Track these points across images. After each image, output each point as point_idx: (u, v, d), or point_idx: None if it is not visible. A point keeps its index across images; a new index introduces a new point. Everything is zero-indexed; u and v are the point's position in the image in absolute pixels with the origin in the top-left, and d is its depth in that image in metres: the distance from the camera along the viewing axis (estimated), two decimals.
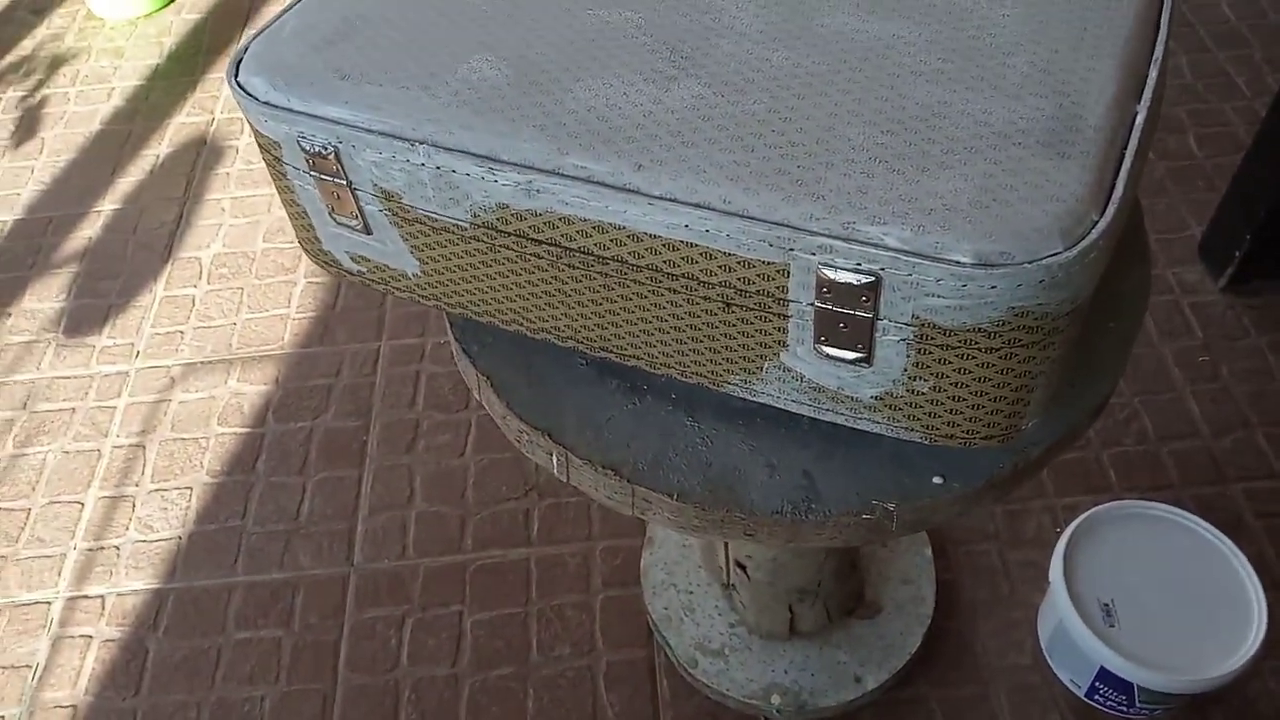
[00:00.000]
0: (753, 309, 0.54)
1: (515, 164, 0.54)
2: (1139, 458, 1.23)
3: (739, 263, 0.51)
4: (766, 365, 0.57)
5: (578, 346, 0.64)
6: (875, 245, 0.48)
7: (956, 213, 0.47)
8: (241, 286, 1.53)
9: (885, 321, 0.50)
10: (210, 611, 1.18)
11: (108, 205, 1.66)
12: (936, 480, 0.60)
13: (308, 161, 0.61)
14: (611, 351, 0.62)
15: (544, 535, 1.22)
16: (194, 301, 1.51)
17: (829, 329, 0.52)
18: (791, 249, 0.49)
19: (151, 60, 1.92)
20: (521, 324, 0.64)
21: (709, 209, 0.50)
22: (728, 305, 0.54)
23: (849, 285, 0.49)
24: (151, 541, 1.25)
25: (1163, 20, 0.58)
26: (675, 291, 0.55)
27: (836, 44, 0.57)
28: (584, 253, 0.56)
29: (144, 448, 1.34)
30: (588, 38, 0.59)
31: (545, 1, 0.62)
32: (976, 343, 0.50)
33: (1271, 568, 1.12)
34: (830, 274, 0.49)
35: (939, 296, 0.48)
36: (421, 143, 0.56)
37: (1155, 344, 1.34)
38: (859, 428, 0.58)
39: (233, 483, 1.30)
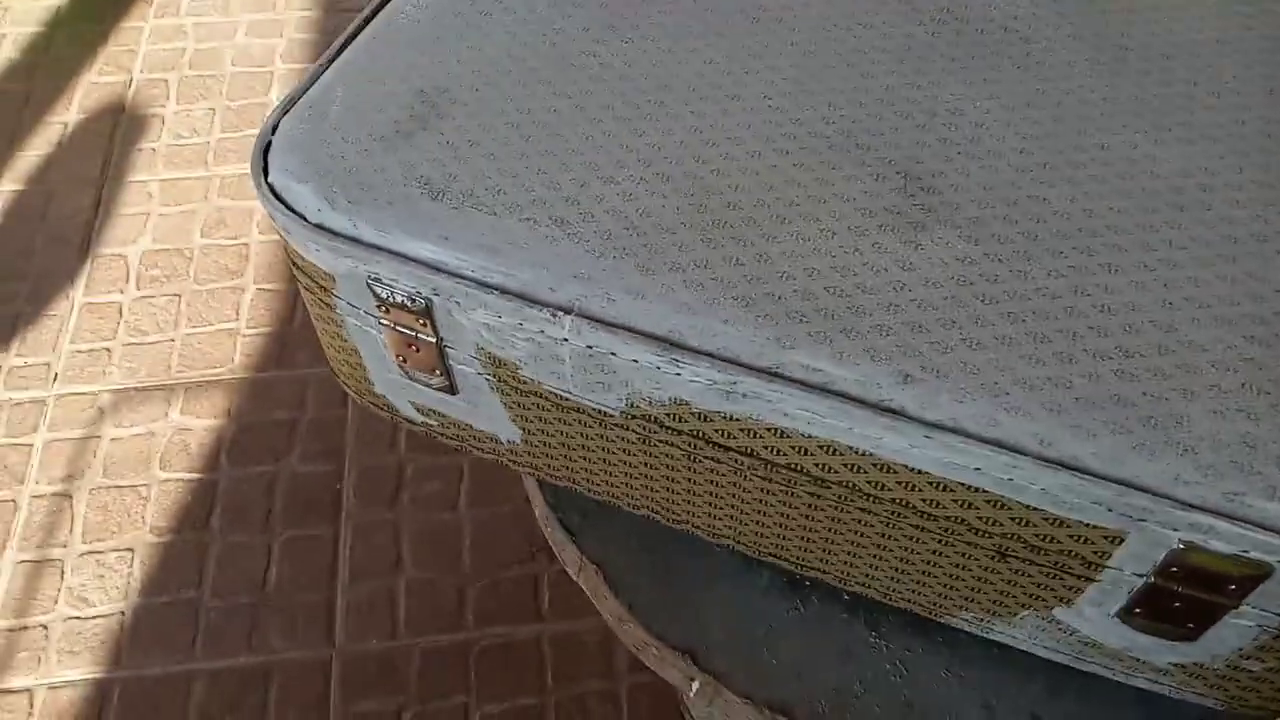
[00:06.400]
0: (1040, 565, 0.39)
1: (713, 356, 0.38)
2: None
3: (1046, 519, 0.37)
4: (1025, 614, 0.43)
5: (738, 549, 0.48)
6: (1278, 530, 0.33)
7: None
8: (178, 293, 1.30)
9: (1248, 608, 0.37)
10: (167, 708, 1.00)
11: (7, 185, 1.40)
12: None
13: (380, 308, 0.43)
14: (787, 560, 0.47)
15: (557, 608, 1.07)
16: (121, 311, 1.28)
17: (1154, 605, 0.38)
18: (1142, 521, 0.35)
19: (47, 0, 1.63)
20: (660, 514, 0.49)
21: (1018, 452, 0.35)
22: (1002, 555, 0.40)
23: (1216, 574, 0.35)
24: (88, 619, 1.05)
25: None
26: (924, 530, 0.40)
27: (1131, 179, 0.42)
28: (793, 470, 0.40)
29: (70, 498, 1.13)
30: (778, 144, 0.43)
31: (705, 76, 0.45)
32: None
33: None
34: (1194, 558, 0.35)
35: None
36: (567, 312, 0.39)
37: None
38: (1128, 684, 0.44)
39: (183, 543, 1.11)
